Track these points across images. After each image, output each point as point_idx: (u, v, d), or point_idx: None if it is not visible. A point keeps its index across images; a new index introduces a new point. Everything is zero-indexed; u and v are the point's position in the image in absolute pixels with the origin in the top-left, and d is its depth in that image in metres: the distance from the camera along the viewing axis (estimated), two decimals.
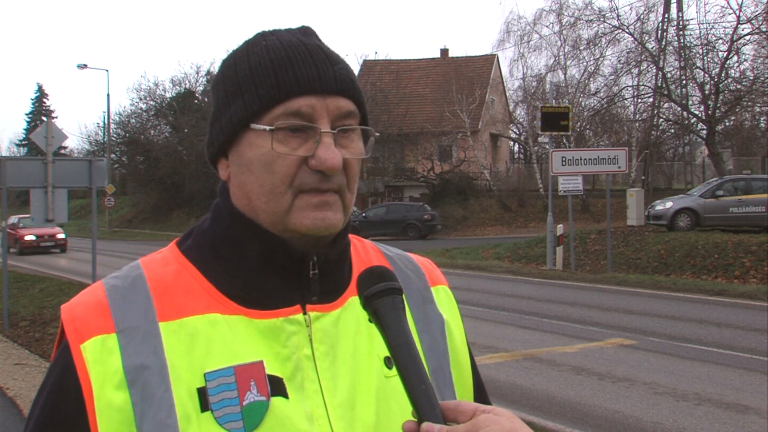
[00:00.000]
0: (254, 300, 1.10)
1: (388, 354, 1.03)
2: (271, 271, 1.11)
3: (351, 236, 1.23)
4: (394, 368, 1.00)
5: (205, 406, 1.02)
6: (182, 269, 1.12)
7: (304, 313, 1.10)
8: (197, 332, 1.06)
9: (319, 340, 1.10)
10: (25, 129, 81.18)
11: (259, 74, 1.09)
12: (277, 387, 1.04)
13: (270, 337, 1.08)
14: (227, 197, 1.15)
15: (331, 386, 1.08)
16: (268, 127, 1.07)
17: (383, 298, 1.01)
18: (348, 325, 1.13)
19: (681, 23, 33.27)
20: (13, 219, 33.39)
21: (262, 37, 1.14)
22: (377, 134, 1.19)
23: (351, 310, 1.14)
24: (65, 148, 57.37)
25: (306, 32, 1.16)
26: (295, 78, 1.08)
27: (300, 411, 1.05)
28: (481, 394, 1.29)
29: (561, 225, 21.44)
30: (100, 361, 1.02)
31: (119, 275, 1.13)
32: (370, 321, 1.02)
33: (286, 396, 1.05)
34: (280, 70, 1.08)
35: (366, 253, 1.25)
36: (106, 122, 52.38)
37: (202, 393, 1.02)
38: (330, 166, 1.06)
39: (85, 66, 47.71)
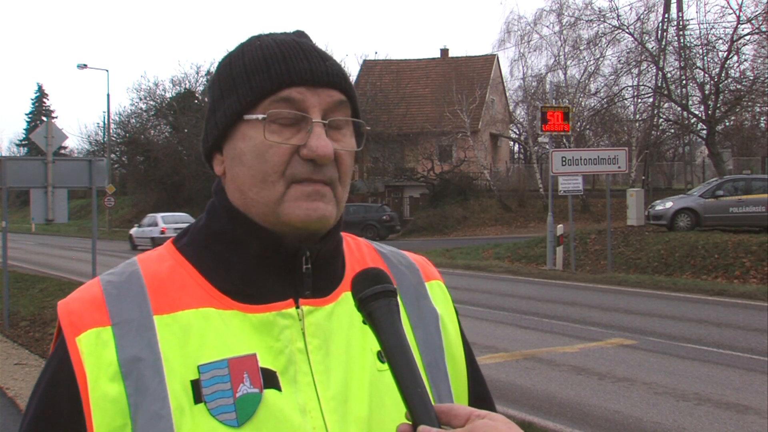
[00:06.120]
0: (248, 294, 1.11)
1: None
2: (264, 266, 1.13)
3: (344, 234, 1.24)
4: (388, 367, 1.01)
5: (198, 398, 1.03)
6: (177, 265, 1.14)
7: (297, 307, 1.11)
8: (191, 326, 1.07)
9: (311, 334, 1.11)
10: (25, 129, 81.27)
11: (253, 69, 1.12)
12: (270, 380, 1.05)
13: (263, 330, 1.09)
14: (222, 195, 1.17)
15: (324, 379, 1.09)
16: (260, 116, 1.09)
17: (378, 301, 1.02)
18: (341, 319, 1.14)
19: (681, 23, 33.30)
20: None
21: (257, 38, 1.17)
22: (368, 128, 1.20)
23: (344, 304, 1.14)
24: (65, 148, 57.46)
25: (300, 34, 1.19)
26: (287, 70, 1.10)
27: (293, 404, 1.06)
28: (480, 389, 1.29)
29: (561, 225, 21.44)
30: (95, 353, 1.03)
31: (115, 272, 1.14)
32: (365, 323, 1.03)
33: (279, 389, 1.06)
34: (272, 64, 1.11)
35: (359, 250, 1.26)
36: (106, 122, 52.38)
37: (195, 385, 1.03)
38: (321, 155, 1.08)
39: (85, 66, 47.67)
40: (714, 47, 30.41)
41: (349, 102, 1.14)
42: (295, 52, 1.12)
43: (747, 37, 29.37)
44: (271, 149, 1.09)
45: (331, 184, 1.11)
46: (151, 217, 35.28)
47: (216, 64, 1.21)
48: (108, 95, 49.17)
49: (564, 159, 20.29)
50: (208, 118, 1.17)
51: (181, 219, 34.18)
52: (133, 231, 35.55)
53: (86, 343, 1.04)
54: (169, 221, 33.49)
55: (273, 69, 1.10)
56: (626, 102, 36.78)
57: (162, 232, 32.46)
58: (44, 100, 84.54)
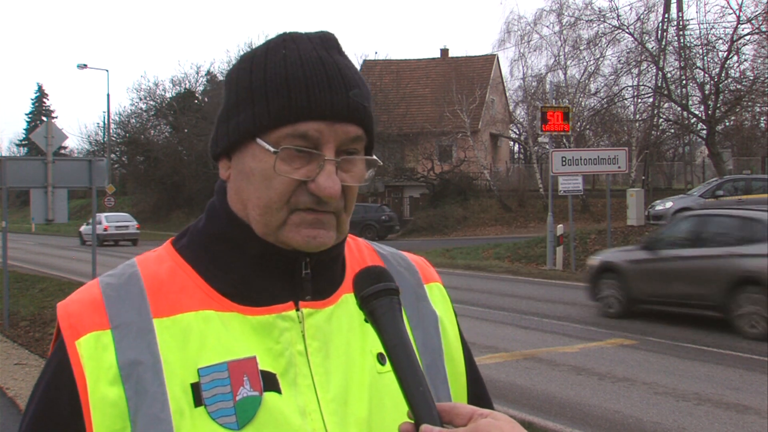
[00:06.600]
0: (248, 297, 1.11)
1: (381, 350, 1.03)
2: (264, 268, 1.12)
3: None
4: (388, 365, 1.01)
5: (198, 401, 1.03)
6: (176, 267, 1.13)
7: (297, 310, 1.11)
8: (191, 328, 1.07)
9: (311, 336, 1.10)
10: (25, 129, 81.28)
11: (273, 88, 1.08)
12: (269, 382, 1.05)
13: (263, 333, 1.09)
14: (223, 197, 1.16)
15: (323, 381, 1.09)
16: (272, 149, 1.07)
17: (380, 299, 1.01)
18: (341, 321, 1.14)
19: (681, 23, 33.29)
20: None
21: (283, 43, 1.12)
22: (380, 163, 1.18)
23: (344, 307, 1.15)
24: (65, 148, 57.46)
25: (327, 43, 1.13)
26: (308, 101, 1.07)
27: (293, 406, 1.06)
28: (478, 389, 1.29)
29: (561, 225, 21.43)
30: (95, 356, 1.03)
31: (114, 273, 1.14)
32: (366, 321, 1.03)
33: (278, 391, 1.06)
34: (293, 90, 1.07)
35: (359, 251, 1.26)
36: (106, 122, 52.37)
37: (195, 388, 1.03)
38: (328, 195, 1.06)
39: (85, 66, 47.62)
40: (714, 47, 30.41)
41: (366, 135, 1.12)
42: (318, 78, 1.08)
43: (747, 37, 29.37)
44: (279, 177, 1.07)
45: (336, 213, 1.10)
46: (97, 216, 37.69)
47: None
48: (108, 95, 49.14)
49: (564, 159, 20.30)
50: (219, 122, 1.15)
51: (122, 218, 39.28)
52: (83, 228, 38.62)
53: (86, 347, 1.04)
54: (111, 220, 38.33)
55: (293, 97, 1.07)
56: (626, 102, 36.77)
57: (105, 230, 37.17)
58: (44, 100, 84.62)
